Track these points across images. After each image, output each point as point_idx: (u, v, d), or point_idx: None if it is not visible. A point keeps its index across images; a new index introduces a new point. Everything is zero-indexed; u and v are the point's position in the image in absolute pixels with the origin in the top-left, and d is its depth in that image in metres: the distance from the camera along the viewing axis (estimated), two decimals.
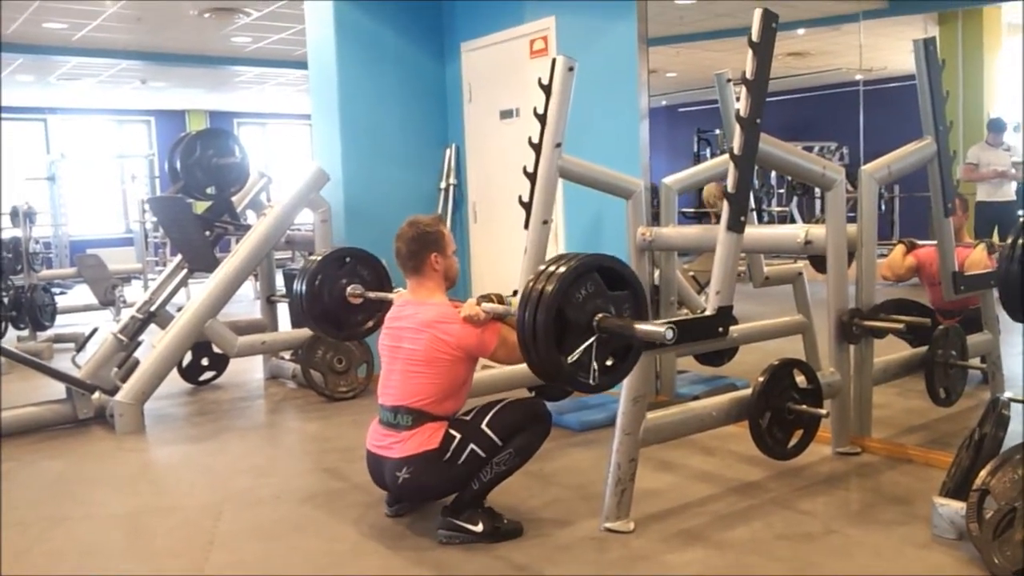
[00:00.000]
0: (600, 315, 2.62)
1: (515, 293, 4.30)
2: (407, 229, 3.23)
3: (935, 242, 4.14)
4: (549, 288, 2.57)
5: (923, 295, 4.80)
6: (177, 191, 5.82)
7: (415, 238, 3.20)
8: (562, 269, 2.60)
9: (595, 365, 2.63)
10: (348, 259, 4.06)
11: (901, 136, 4.21)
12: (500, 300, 3.22)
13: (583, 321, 2.61)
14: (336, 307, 3.98)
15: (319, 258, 4.05)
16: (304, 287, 3.96)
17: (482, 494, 3.09)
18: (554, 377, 2.68)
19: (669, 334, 2.53)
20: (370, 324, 4.00)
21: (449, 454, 3.02)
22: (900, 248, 4.80)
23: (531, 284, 2.63)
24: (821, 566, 2.82)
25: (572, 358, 2.59)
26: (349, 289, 3.95)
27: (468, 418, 3.10)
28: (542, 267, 2.68)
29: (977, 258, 4.49)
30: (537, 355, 2.60)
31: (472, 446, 3.02)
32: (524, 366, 4.11)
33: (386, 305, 3.60)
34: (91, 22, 8.68)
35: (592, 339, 2.61)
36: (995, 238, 4.75)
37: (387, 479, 3.13)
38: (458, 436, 3.04)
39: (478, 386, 3.89)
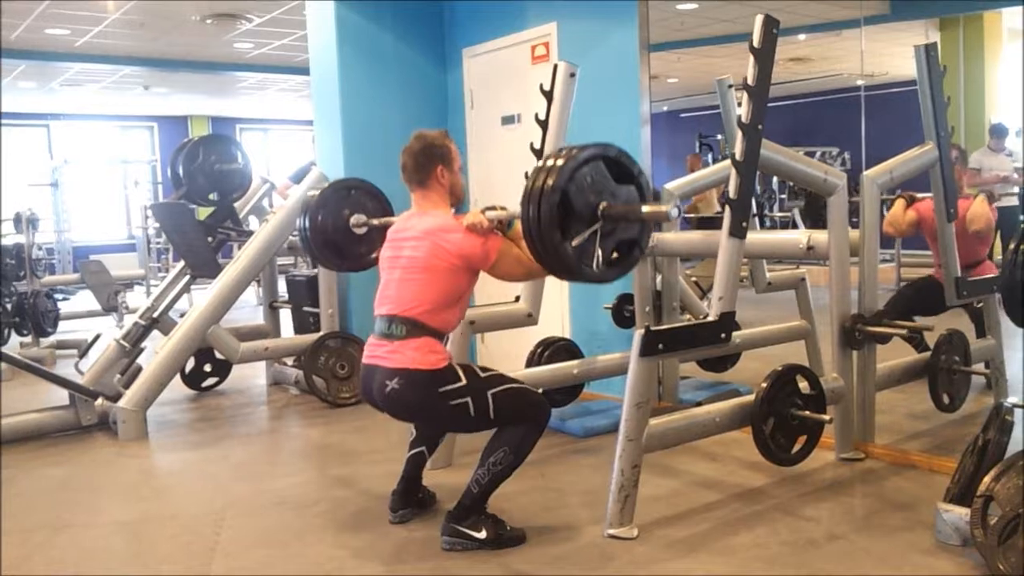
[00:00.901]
0: (604, 203, 2.62)
1: (517, 299, 4.32)
2: (413, 143, 3.19)
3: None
4: (552, 179, 2.59)
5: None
6: (180, 197, 5.82)
7: (422, 151, 3.16)
8: (561, 161, 2.62)
9: (599, 253, 2.64)
10: (352, 191, 4.01)
11: (903, 141, 4.21)
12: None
13: (587, 209, 2.62)
14: (339, 237, 3.91)
15: (323, 189, 3.98)
16: (307, 220, 3.91)
17: (482, 498, 3.07)
18: (558, 263, 2.66)
19: (674, 212, 2.58)
20: (374, 255, 3.86)
21: (445, 389, 2.96)
22: (900, 202, 4.73)
23: (533, 180, 2.62)
24: (825, 572, 2.82)
25: (576, 242, 2.60)
26: (353, 219, 3.89)
27: (482, 374, 3.05)
28: (540, 163, 2.67)
29: (978, 210, 4.47)
30: (541, 242, 2.61)
31: (468, 400, 2.97)
32: (526, 373, 4.14)
33: None
34: (94, 28, 8.70)
35: (596, 226, 2.61)
36: (997, 244, 4.75)
37: (375, 391, 3.06)
38: (463, 381, 2.98)
39: None
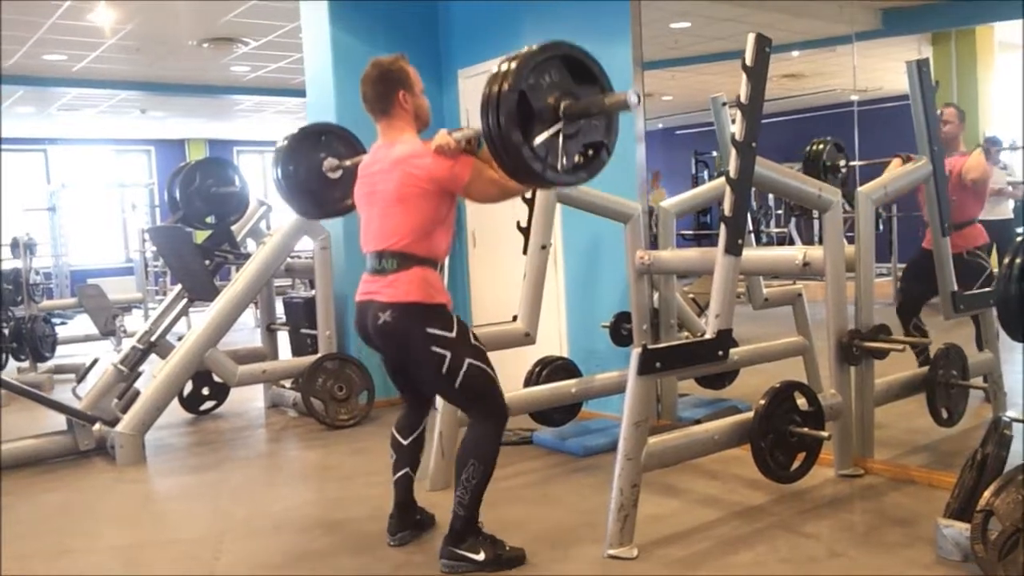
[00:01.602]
0: (565, 103, 2.58)
1: (515, 318, 4.32)
2: (370, 71, 3.11)
3: None
4: (508, 82, 2.52)
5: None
6: (177, 220, 5.83)
7: (379, 78, 3.10)
8: (515, 64, 2.55)
9: (563, 155, 2.59)
10: (323, 136, 3.89)
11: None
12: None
13: (548, 111, 2.57)
14: (314, 184, 3.80)
15: (291, 135, 3.87)
16: (279, 169, 3.79)
17: (471, 517, 3.03)
18: (522, 168, 2.59)
19: (634, 98, 2.50)
20: (349, 202, 3.73)
21: (433, 331, 2.93)
22: (897, 162, 4.72)
23: (489, 87, 2.56)
24: None
25: (537, 141, 2.54)
26: (325, 164, 3.77)
27: (472, 340, 3.02)
28: (495, 70, 2.60)
29: (975, 160, 4.50)
30: (504, 147, 2.54)
31: (448, 355, 2.93)
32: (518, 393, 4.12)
33: None
34: (91, 53, 8.74)
35: (558, 126, 2.57)
36: (993, 257, 4.75)
37: (370, 325, 3.03)
38: (453, 334, 2.96)
39: None
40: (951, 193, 4.20)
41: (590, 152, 2.71)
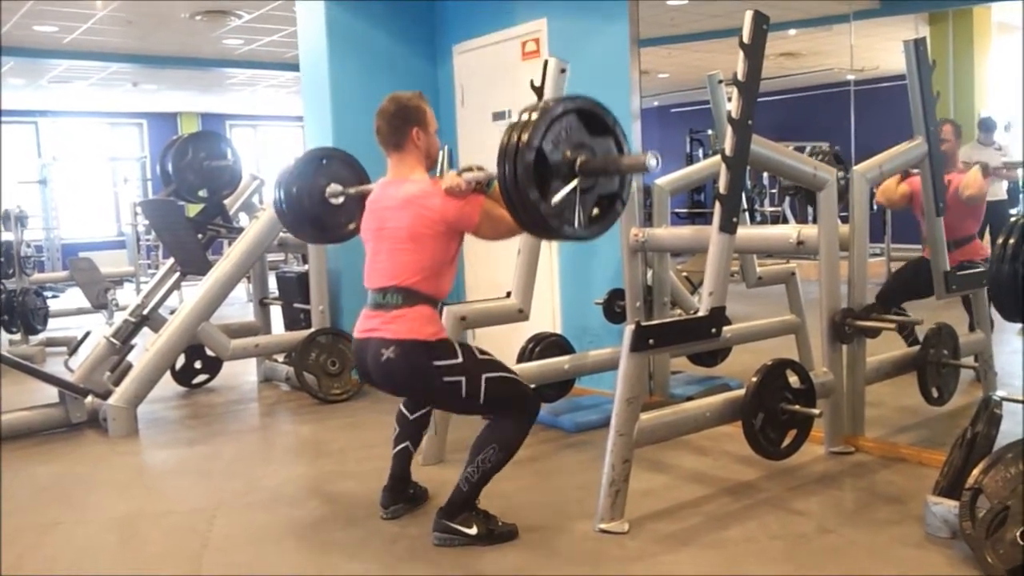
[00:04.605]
0: (582, 158, 2.59)
1: (508, 295, 4.32)
2: (387, 105, 3.13)
3: None
4: (526, 136, 2.53)
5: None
6: (169, 194, 5.80)
7: (396, 113, 3.11)
8: (535, 116, 2.55)
9: (579, 210, 2.59)
10: (324, 160, 3.87)
11: (892, 136, 4.22)
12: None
13: (565, 166, 2.58)
14: (316, 209, 3.79)
15: (295, 161, 3.86)
16: (282, 192, 3.79)
17: (472, 495, 3.06)
18: (538, 224, 2.60)
19: (653, 161, 2.50)
20: (352, 227, 3.80)
21: (440, 363, 2.95)
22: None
23: (508, 137, 2.56)
24: (815, 566, 2.83)
25: (555, 200, 2.55)
26: (328, 189, 3.77)
27: (479, 356, 3.03)
28: (514, 119, 2.59)
29: (971, 177, 4.50)
30: (521, 203, 2.54)
31: (462, 380, 2.95)
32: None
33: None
34: (82, 25, 8.66)
35: (575, 182, 2.57)
36: (987, 237, 4.76)
37: (370, 361, 3.03)
38: (460, 359, 2.97)
39: None
40: (948, 210, 4.18)
41: (604, 203, 2.72)
